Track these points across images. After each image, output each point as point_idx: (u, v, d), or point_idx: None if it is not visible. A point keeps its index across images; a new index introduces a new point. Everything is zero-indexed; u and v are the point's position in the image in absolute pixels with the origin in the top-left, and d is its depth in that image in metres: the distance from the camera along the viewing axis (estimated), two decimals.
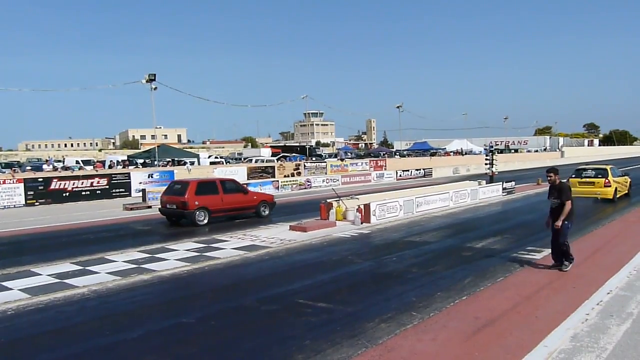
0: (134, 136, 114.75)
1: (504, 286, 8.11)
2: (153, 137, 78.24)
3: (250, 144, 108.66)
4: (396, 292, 7.94)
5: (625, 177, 21.55)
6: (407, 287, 8.18)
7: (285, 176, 33.15)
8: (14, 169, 32.07)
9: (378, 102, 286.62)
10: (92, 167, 35.26)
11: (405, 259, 10.39)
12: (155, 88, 30.37)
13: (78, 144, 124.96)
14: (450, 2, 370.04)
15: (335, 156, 51.40)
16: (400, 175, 38.30)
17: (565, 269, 8.84)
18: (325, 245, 12.28)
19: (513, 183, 24.24)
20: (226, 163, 42.28)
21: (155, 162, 32.67)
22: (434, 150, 64.87)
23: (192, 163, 33.22)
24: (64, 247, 12.88)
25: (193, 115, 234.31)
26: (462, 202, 20.09)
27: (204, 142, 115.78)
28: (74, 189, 24.49)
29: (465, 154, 62.63)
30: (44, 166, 34.07)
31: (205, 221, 15.79)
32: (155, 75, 30.03)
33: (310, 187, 31.56)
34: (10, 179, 22.90)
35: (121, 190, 26.07)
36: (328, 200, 16.58)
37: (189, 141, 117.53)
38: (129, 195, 26.07)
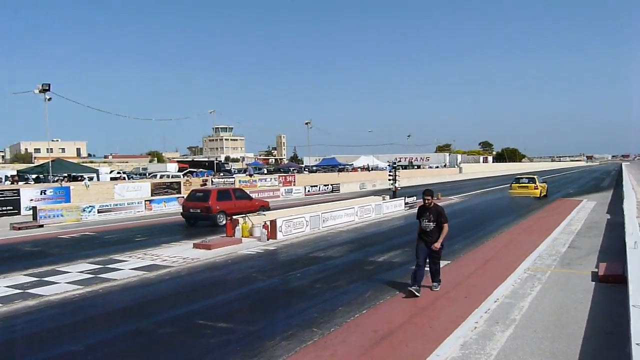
0: (26, 149, 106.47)
1: (402, 298, 8.39)
2: (49, 150, 73.12)
3: (156, 158, 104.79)
4: (299, 308, 7.94)
5: (544, 183, 31.90)
6: (309, 303, 8.22)
7: None
8: None
9: (289, 117, 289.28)
10: None
11: (309, 275, 10.45)
12: (50, 99, 28.47)
13: None
14: (358, 22, 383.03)
15: (245, 172, 50.94)
16: (308, 191, 38.69)
17: (435, 289, 8.74)
18: (229, 263, 12.06)
19: (414, 198, 25.29)
20: (129, 178, 40.41)
21: (50, 178, 30.50)
22: (342, 166, 66.28)
23: (90, 179, 31.37)
24: None
25: (94, 128, 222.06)
26: (367, 216, 20.64)
27: (105, 157, 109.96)
28: None
29: (372, 169, 64.59)
30: None
31: (224, 222, 17.50)
32: (49, 85, 28.18)
33: None
34: None
35: (9, 208, 24.00)
36: (234, 217, 16.34)
37: (89, 155, 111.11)
38: (18, 213, 24.05)
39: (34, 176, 34.11)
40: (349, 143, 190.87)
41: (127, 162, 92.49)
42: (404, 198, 24.48)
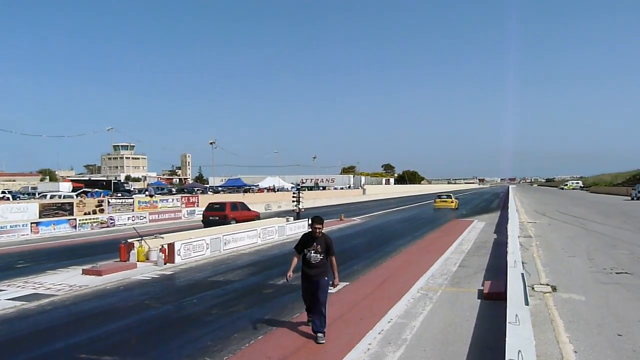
0: None
1: (299, 322, 8.34)
2: None
3: (48, 177, 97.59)
4: (192, 336, 7.63)
5: (457, 199, 42.74)
6: (204, 331, 7.93)
7: (85, 213, 30.30)
8: None
9: (194, 137, 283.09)
10: None
11: (206, 300, 10.12)
12: None
13: None
14: (260, 44, 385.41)
15: (145, 192, 48.85)
16: None
17: (321, 341, 7.18)
18: (121, 290, 11.38)
19: None
20: (14, 198, 37.19)
21: None
22: (248, 187, 65.73)
23: None
24: None
25: None
26: (269, 238, 20.51)
27: None
28: None
29: (278, 190, 64.65)
30: None
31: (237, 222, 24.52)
32: None
33: (114, 226, 29.33)
34: None
35: None
36: (129, 240, 15.52)
37: None
38: None
39: None
40: (255, 164, 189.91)
41: (14, 180, 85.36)
42: (308, 219, 24.62)
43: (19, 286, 11.70)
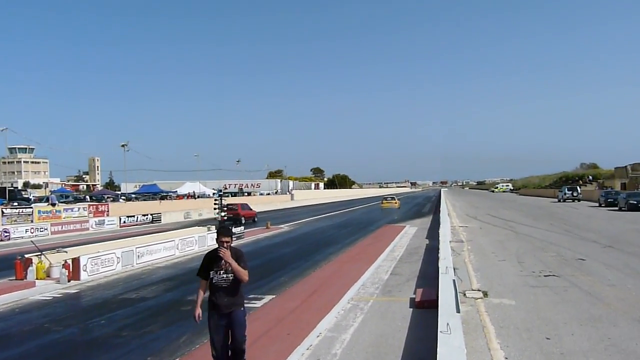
0: None
1: None
2: None
3: None
4: None
5: (399, 200, 58.74)
6: (112, 355, 7.59)
7: None
8: None
9: (103, 139, 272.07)
10: None
11: (116, 321, 9.70)
12: None
13: None
14: (179, 41, 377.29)
15: (47, 200, 46.29)
16: (124, 222, 36.49)
17: None
18: (16, 313, 10.68)
19: (242, 228, 25.32)
20: None
21: None
22: (165, 194, 64.02)
23: None
24: None
25: None
26: (189, 250, 20.04)
27: None
28: None
29: (198, 197, 63.42)
30: None
31: (244, 221, 33.14)
32: None
33: (9, 240, 27.54)
34: None
35: None
36: (27, 256, 14.60)
37: None
38: None
39: None
40: (173, 168, 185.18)
41: None
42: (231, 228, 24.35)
43: None
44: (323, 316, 9.51)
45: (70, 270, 14.03)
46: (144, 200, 55.69)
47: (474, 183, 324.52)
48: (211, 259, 6.17)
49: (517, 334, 8.05)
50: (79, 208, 37.27)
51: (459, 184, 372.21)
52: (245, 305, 10.26)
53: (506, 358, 7.00)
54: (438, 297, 8.52)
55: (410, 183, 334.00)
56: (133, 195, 62.66)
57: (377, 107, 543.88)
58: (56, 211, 34.74)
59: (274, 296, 11.46)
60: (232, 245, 6.22)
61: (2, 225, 29.39)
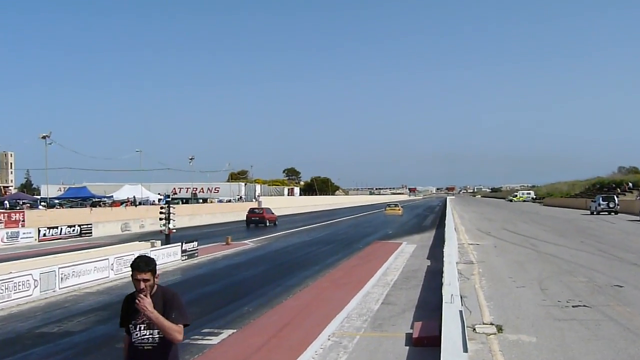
0: None
1: None
2: None
3: None
4: None
5: (402, 207, 78.93)
6: None
7: None
8: None
9: (18, 129, 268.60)
10: None
11: None
12: None
13: None
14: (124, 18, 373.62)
15: None
16: (44, 235, 36.12)
17: None
18: None
19: (196, 243, 25.22)
20: None
21: None
22: (98, 199, 63.33)
23: None
24: None
25: None
26: (128, 271, 19.85)
27: None
28: None
29: (140, 203, 62.92)
30: None
31: (269, 223, 50.00)
32: None
33: None
34: None
35: None
36: None
37: None
38: None
39: None
40: (107, 167, 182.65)
41: None
42: (180, 244, 24.24)
43: None
44: (296, 356, 9.52)
45: None
46: (71, 207, 55.04)
47: (488, 190, 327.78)
48: (130, 305, 4.88)
49: None
50: None
51: (469, 190, 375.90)
52: (199, 342, 10.29)
53: None
54: (441, 333, 8.58)
55: (409, 189, 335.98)
56: (56, 201, 61.87)
57: (368, 96, 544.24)
58: None
59: (234, 330, 11.44)
60: (159, 285, 4.93)
61: None
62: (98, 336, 11.43)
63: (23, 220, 38.50)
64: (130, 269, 4.75)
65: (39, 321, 12.93)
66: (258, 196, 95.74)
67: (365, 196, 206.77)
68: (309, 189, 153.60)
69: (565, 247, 25.97)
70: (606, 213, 58.56)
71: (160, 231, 27.97)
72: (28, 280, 15.41)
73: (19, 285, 15.06)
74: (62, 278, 16.70)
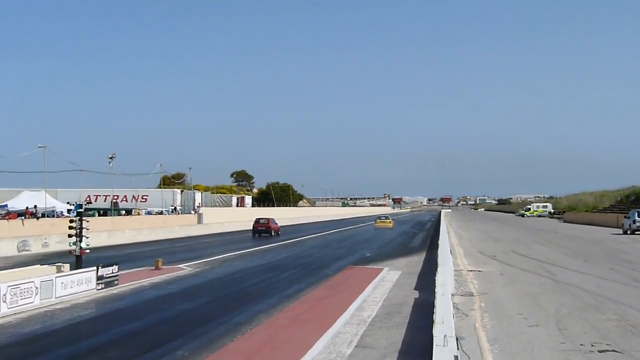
0: None
1: None
2: None
3: None
4: None
5: (392, 220, 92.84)
6: None
7: None
8: None
9: None
10: None
11: None
12: None
13: None
14: None
15: None
16: None
17: None
18: None
19: (116, 268, 24.93)
20: None
21: None
22: None
23: None
24: None
25: None
26: (25, 304, 19.62)
27: None
28: None
29: (44, 215, 62.17)
30: None
31: (274, 233, 65.95)
32: None
33: None
34: None
35: None
36: None
37: None
38: None
39: None
40: (1, 167, 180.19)
41: None
42: (96, 268, 23.95)
43: None
44: None
45: None
46: None
47: (493, 202, 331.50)
48: None
49: None
50: None
51: (469, 202, 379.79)
52: None
53: None
54: None
55: (393, 200, 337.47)
56: None
57: (343, 86, 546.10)
58: None
59: None
60: None
61: None
62: None
63: None
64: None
65: None
66: (198, 207, 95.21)
67: (336, 208, 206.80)
68: (264, 198, 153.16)
69: (590, 276, 26.29)
70: None
71: (70, 252, 27.51)
72: None
73: None
74: None
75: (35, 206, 66.48)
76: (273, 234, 66.13)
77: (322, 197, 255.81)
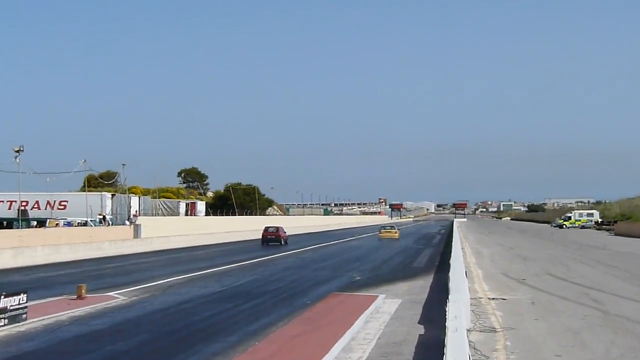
0: None
1: None
2: None
3: None
4: None
5: (398, 230, 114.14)
6: None
7: None
8: None
9: None
10: None
11: None
12: None
13: None
14: None
15: None
16: None
17: None
18: None
19: (24, 298, 24.75)
20: None
21: None
22: None
23: None
24: None
25: None
26: None
27: None
28: None
29: None
30: None
31: (283, 242, 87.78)
32: None
33: None
34: None
35: None
36: None
37: None
38: None
39: None
40: None
41: None
42: None
43: None
44: None
45: None
46: None
47: (523, 209, 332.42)
48: None
49: None
50: None
51: (490, 209, 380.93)
52: None
53: None
54: None
55: (390, 206, 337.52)
56: None
57: (324, 64, 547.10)
58: None
59: None
60: None
61: None
62: None
63: None
64: None
65: None
66: (134, 216, 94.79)
67: (317, 217, 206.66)
68: (222, 204, 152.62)
69: None
70: None
71: None
72: None
73: None
74: None
75: None
76: (282, 242, 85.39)
77: (298, 202, 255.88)
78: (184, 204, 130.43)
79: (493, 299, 28.67)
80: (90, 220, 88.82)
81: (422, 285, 35.97)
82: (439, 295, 28.29)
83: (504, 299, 28.59)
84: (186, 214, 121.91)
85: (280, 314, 26.54)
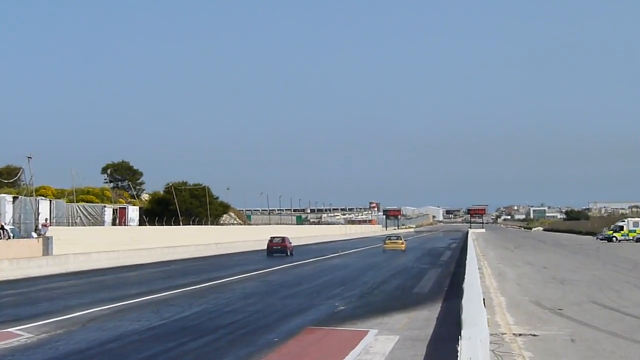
0: None
1: None
2: None
3: None
4: None
5: (405, 241, 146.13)
6: None
7: None
8: None
9: None
10: None
11: None
12: None
13: None
14: None
15: None
16: None
17: None
18: None
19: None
20: None
21: None
22: None
23: None
24: None
25: None
26: None
27: None
28: None
29: None
30: None
31: (289, 253, 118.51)
32: None
33: None
34: None
35: None
36: None
37: None
38: None
39: None
40: None
41: None
42: None
43: None
44: None
45: None
46: None
47: (559, 216, 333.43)
48: None
49: None
50: None
51: (517, 216, 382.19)
52: None
53: None
54: None
55: (384, 213, 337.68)
56: None
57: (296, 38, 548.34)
58: None
59: None
60: None
61: None
62: None
63: None
64: None
65: None
66: (44, 225, 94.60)
67: (286, 227, 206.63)
68: (162, 210, 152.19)
69: None
70: None
71: None
72: None
73: None
74: None
75: None
76: (289, 253, 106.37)
77: (262, 208, 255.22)
78: (111, 210, 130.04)
79: (520, 335, 28.73)
80: None
81: (426, 317, 36.02)
82: (448, 331, 28.38)
83: (534, 335, 28.65)
84: (113, 223, 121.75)
85: (238, 355, 26.47)
